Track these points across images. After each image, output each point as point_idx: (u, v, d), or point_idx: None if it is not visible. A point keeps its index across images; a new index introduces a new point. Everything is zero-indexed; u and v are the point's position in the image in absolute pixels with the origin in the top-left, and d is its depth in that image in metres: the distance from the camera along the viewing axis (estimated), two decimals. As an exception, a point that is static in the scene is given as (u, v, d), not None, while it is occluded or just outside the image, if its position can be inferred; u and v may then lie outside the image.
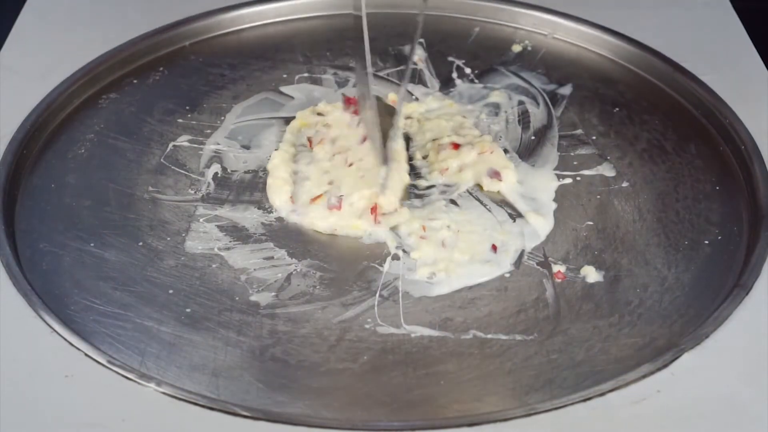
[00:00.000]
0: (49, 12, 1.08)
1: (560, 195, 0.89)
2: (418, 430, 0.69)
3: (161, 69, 1.02)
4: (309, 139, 0.92)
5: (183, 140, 0.94)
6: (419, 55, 1.05)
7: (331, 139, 0.91)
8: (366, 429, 0.70)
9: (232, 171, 0.91)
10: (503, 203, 0.88)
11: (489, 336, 0.76)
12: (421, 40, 1.07)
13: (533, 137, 0.95)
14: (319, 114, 0.94)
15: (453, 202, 0.88)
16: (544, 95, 1.00)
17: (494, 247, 0.83)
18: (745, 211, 0.86)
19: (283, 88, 1.01)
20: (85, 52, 1.00)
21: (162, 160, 0.92)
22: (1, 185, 0.85)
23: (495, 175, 0.89)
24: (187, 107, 0.98)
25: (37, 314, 0.75)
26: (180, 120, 0.96)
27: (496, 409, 0.70)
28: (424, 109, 0.98)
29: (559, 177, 0.91)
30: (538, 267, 0.82)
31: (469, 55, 1.05)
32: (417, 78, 1.03)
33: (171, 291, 0.79)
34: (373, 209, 0.84)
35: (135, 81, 1.01)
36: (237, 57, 1.05)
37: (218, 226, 0.85)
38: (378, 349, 0.75)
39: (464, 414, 0.70)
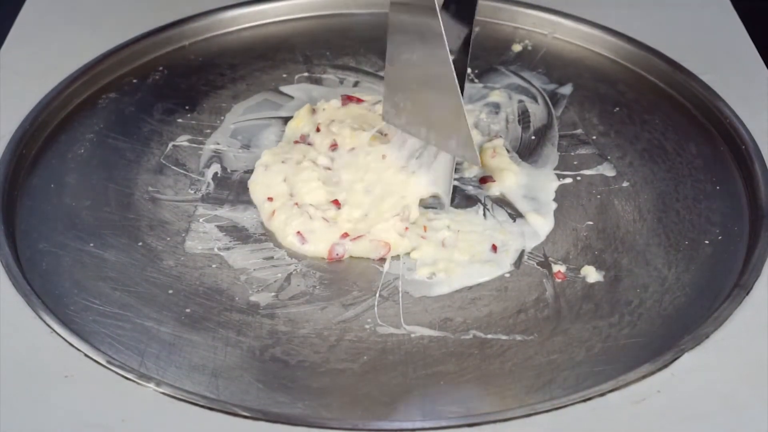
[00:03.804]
0: (49, 12, 1.08)
1: (560, 195, 0.89)
2: (418, 431, 0.69)
3: (161, 69, 1.02)
4: (303, 137, 0.92)
5: (183, 140, 0.94)
6: None
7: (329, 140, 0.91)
8: (366, 429, 0.70)
9: (231, 171, 0.91)
10: (503, 203, 0.88)
11: (489, 336, 0.76)
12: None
13: (533, 137, 0.95)
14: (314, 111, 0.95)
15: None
16: (545, 95, 1.00)
17: (494, 247, 0.83)
18: (746, 211, 0.86)
19: (283, 88, 1.01)
20: (85, 52, 1.00)
21: (162, 160, 0.92)
22: (1, 185, 0.85)
23: (484, 180, 0.89)
24: (187, 107, 0.98)
25: (36, 314, 0.75)
26: (180, 120, 0.96)
27: (496, 409, 0.70)
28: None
29: (559, 177, 0.91)
30: (538, 267, 0.82)
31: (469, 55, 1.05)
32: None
33: (171, 291, 0.79)
34: (385, 249, 0.83)
35: (135, 81, 1.01)
36: (237, 57, 1.05)
37: (218, 226, 0.85)
38: (378, 349, 0.75)
39: (464, 414, 0.70)
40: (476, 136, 0.94)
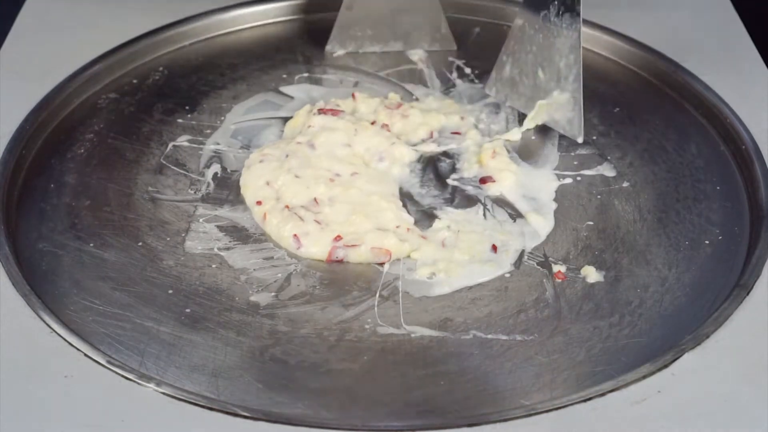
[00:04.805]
0: (48, 12, 1.08)
1: (561, 195, 0.89)
2: (418, 431, 0.69)
3: (161, 69, 1.02)
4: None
5: (183, 140, 0.94)
6: (419, 55, 1.05)
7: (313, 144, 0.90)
8: (366, 429, 0.70)
9: (231, 171, 0.91)
10: (503, 203, 0.88)
11: (489, 336, 0.76)
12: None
13: (533, 137, 0.95)
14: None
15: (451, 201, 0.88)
16: (545, 95, 1.00)
17: (494, 247, 0.83)
18: (746, 211, 0.86)
19: (283, 88, 1.01)
20: (85, 52, 1.00)
21: (162, 160, 0.91)
22: (1, 185, 0.85)
23: (484, 181, 0.89)
24: (187, 107, 0.98)
25: (36, 315, 0.75)
26: (180, 120, 0.96)
27: (496, 410, 0.70)
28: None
29: (559, 177, 0.91)
30: (539, 267, 0.82)
31: (469, 55, 1.05)
32: (417, 78, 1.03)
33: (171, 291, 0.79)
34: (386, 257, 0.82)
35: (135, 81, 1.01)
36: (237, 57, 1.05)
37: (218, 226, 0.85)
38: (378, 349, 0.75)
39: (464, 414, 0.70)
40: (475, 136, 0.94)
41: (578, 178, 0.91)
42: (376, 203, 0.85)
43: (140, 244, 0.83)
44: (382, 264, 0.82)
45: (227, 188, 0.89)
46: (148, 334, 0.75)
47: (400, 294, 0.80)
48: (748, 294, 0.77)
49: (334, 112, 0.93)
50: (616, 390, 0.70)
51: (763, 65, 1.01)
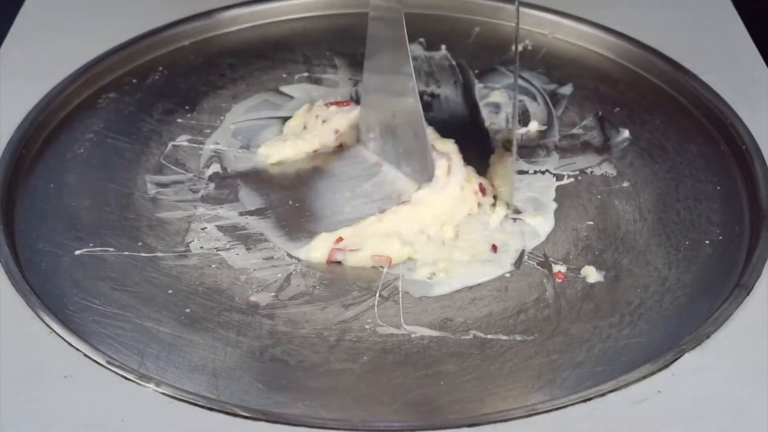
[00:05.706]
0: (48, 12, 1.08)
1: (561, 195, 0.89)
2: (418, 431, 0.69)
3: (161, 69, 1.02)
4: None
5: (182, 140, 0.94)
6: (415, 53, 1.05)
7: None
8: (366, 429, 0.70)
9: (231, 171, 0.91)
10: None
11: (489, 336, 0.76)
12: (422, 39, 1.07)
13: (533, 137, 0.95)
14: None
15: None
16: (545, 95, 1.00)
17: (494, 247, 0.83)
18: (746, 211, 0.86)
19: (283, 88, 1.01)
20: (84, 52, 1.00)
21: (161, 159, 0.91)
22: (1, 185, 0.85)
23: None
24: (187, 107, 0.98)
25: (36, 314, 0.75)
26: (179, 120, 0.96)
27: (496, 410, 0.70)
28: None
29: (559, 177, 0.91)
30: (539, 267, 0.82)
31: (469, 55, 1.05)
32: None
33: (170, 291, 0.79)
34: (386, 263, 0.82)
35: (134, 81, 1.01)
36: (237, 57, 1.05)
37: (218, 226, 0.85)
38: (378, 349, 0.75)
39: (464, 414, 0.70)
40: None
41: (578, 178, 0.91)
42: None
43: (140, 244, 0.83)
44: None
45: (227, 188, 0.89)
46: (147, 334, 0.75)
47: (400, 294, 0.80)
48: (748, 294, 0.77)
49: (339, 104, 0.93)
50: (616, 390, 0.70)
51: (764, 65, 1.01)
